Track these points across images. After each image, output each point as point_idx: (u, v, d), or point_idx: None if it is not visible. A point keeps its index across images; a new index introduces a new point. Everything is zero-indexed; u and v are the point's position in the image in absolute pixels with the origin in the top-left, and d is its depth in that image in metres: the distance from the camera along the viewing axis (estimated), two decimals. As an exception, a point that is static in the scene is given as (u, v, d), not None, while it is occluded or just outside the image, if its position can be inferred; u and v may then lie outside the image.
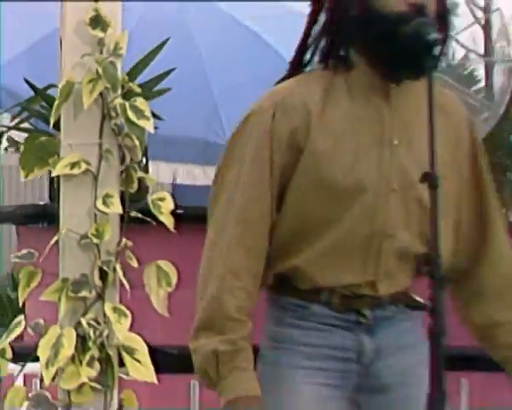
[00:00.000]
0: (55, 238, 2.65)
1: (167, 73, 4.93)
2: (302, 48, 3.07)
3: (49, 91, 4.93)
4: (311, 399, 3.02)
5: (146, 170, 4.38)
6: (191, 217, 3.84)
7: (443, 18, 3.07)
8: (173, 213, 2.82)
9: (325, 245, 2.91)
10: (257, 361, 2.89)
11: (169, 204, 2.72)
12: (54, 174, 2.58)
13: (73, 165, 2.50)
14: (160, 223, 2.74)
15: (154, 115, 5.09)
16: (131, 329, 2.64)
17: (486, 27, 14.39)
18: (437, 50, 2.83)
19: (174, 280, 2.73)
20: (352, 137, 2.93)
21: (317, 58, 3.10)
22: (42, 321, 2.69)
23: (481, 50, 13.13)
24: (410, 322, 3.07)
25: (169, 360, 4.02)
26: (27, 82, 4.73)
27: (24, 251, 2.79)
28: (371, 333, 2.95)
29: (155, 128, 5.18)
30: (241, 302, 2.68)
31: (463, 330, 3.36)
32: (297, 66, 3.05)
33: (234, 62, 5.93)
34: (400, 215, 2.98)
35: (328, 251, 2.87)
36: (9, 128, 5.05)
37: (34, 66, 6.02)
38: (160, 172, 7.60)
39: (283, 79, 2.99)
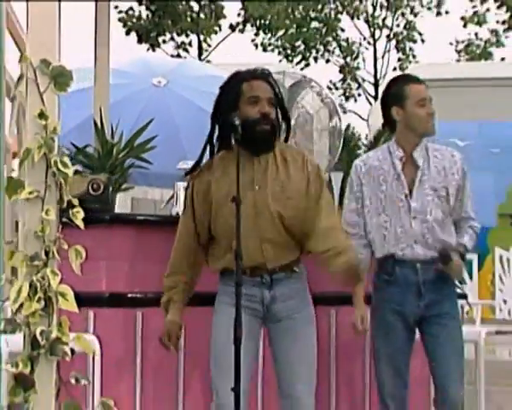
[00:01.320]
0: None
1: (152, 138, 5.35)
2: (209, 142, 3.65)
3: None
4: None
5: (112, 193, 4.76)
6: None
7: (285, 119, 3.68)
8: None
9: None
10: None
11: (81, 214, 2.91)
12: (20, 198, 2.86)
13: (30, 192, 2.83)
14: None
15: (147, 161, 5.47)
16: (65, 281, 2.90)
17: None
18: (269, 140, 3.49)
19: (83, 255, 2.94)
20: (233, 187, 3.33)
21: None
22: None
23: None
24: (297, 281, 3.64)
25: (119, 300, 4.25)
26: (73, 144, 5.14)
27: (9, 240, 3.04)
28: (270, 288, 3.55)
29: (147, 168, 5.55)
30: (172, 282, 3.67)
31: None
32: (211, 153, 3.65)
33: (195, 130, 6.06)
34: (267, 224, 3.50)
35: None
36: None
37: (78, 135, 6.17)
38: (155, 194, 8.12)
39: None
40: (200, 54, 23.71)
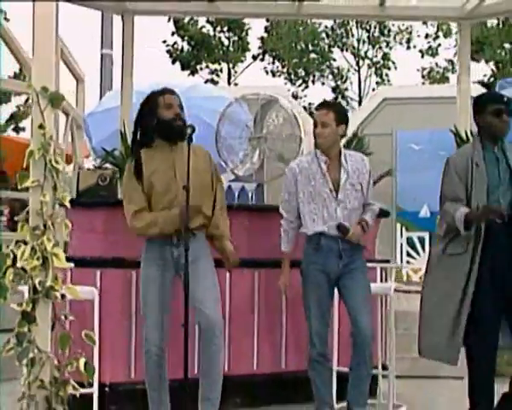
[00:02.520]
0: (26, 210, 2.97)
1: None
2: (133, 138, 3.75)
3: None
4: (155, 275, 3.65)
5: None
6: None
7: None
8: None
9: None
10: None
11: (68, 197, 2.99)
12: (26, 185, 2.95)
13: (33, 182, 2.96)
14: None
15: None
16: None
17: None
18: (183, 132, 3.52)
19: (70, 227, 3.01)
20: (160, 168, 3.57)
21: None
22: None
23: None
24: (199, 241, 3.66)
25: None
26: (103, 149, 5.26)
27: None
28: (178, 247, 3.59)
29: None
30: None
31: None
32: (134, 145, 3.73)
33: (200, 140, 5.79)
34: (179, 191, 3.48)
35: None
36: (99, 167, 5.49)
37: (109, 141, 6.06)
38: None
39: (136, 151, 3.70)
40: (229, 78, 23.73)
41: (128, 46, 6.51)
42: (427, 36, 19.53)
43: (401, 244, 11.06)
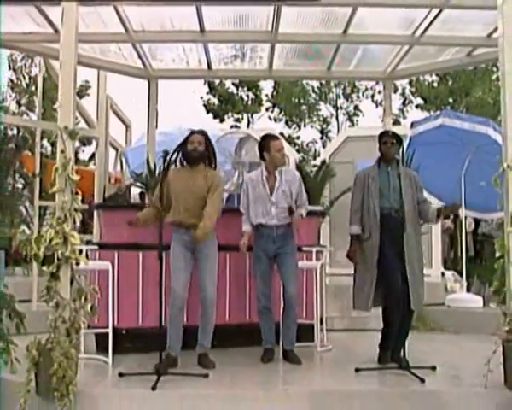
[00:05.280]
0: (54, 205, 3.17)
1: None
2: (164, 162, 3.70)
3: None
4: (180, 251, 3.78)
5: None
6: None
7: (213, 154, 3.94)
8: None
9: (177, 209, 3.72)
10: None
11: (79, 197, 3.14)
12: (53, 190, 3.14)
13: (58, 188, 3.14)
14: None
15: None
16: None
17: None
18: (196, 161, 3.76)
19: (80, 217, 3.17)
20: (181, 181, 3.74)
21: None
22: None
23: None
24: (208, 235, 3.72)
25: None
26: (134, 172, 5.51)
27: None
28: (189, 232, 3.74)
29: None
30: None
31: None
32: (167, 166, 3.71)
33: None
34: (190, 198, 3.78)
35: (179, 211, 3.71)
36: (131, 184, 5.77)
37: (139, 168, 6.26)
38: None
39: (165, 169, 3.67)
40: (248, 125, 23.92)
41: (152, 102, 6.81)
42: (380, 92, 19.80)
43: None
